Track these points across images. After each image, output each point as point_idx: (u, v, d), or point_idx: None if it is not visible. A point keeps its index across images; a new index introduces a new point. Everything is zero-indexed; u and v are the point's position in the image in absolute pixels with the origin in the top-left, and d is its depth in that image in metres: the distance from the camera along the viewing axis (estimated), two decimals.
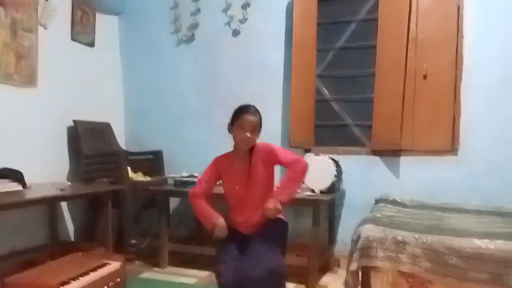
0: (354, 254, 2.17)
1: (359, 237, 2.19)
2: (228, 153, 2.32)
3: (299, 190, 2.90)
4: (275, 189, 2.30)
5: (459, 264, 2.00)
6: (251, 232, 2.21)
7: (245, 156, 2.24)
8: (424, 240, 2.08)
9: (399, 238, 2.12)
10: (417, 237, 2.10)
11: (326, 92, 3.82)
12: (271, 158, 2.22)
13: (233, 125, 2.22)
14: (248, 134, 2.16)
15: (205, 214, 2.26)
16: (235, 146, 2.26)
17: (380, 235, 2.15)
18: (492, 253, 1.97)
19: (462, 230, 2.24)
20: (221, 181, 2.34)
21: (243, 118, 2.17)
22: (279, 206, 2.13)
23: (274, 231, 2.20)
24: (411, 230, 2.20)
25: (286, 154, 2.26)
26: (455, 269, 2.01)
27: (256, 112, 2.22)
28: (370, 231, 2.18)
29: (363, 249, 2.15)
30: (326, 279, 3.35)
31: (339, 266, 3.58)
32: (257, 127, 2.20)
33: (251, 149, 2.24)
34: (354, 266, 2.15)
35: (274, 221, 2.19)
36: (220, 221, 2.19)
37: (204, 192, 2.29)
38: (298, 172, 2.21)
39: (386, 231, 2.17)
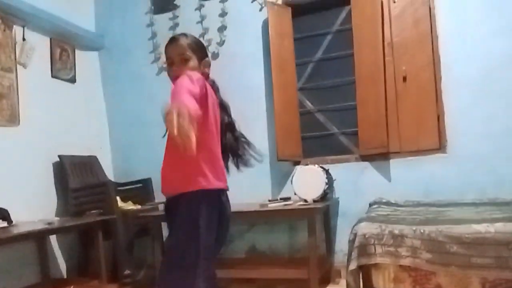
0: (352, 253, 2.12)
1: (355, 235, 2.14)
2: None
3: None
4: None
5: (461, 252, 1.96)
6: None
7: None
8: (422, 231, 2.04)
9: (396, 231, 2.08)
10: (414, 228, 2.07)
11: (309, 104, 3.85)
12: None
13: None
14: (168, 66, 1.80)
15: None
16: None
17: (377, 231, 2.11)
18: (493, 236, 1.93)
19: (460, 219, 2.22)
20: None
21: (165, 50, 1.80)
22: None
23: None
24: (408, 224, 2.17)
25: None
26: (457, 257, 1.96)
27: (184, 35, 1.80)
28: (366, 228, 2.15)
29: (360, 247, 2.10)
30: None
31: (340, 277, 3.49)
32: (187, 54, 1.75)
33: None
34: (353, 265, 2.10)
35: None
36: None
37: None
38: None
39: (382, 227, 2.13)
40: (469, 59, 3.33)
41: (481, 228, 1.98)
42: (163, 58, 1.89)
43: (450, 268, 1.97)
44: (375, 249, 2.07)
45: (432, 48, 3.41)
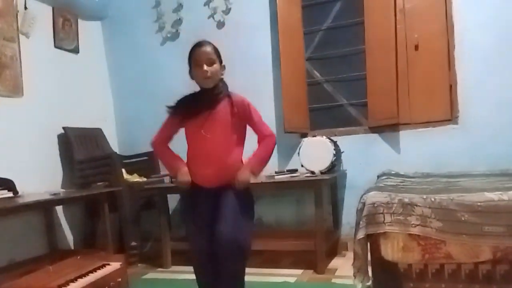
0: (360, 222, 2.07)
1: (364, 204, 2.09)
2: (193, 93, 2.13)
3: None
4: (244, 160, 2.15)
5: (472, 220, 1.90)
6: (215, 186, 2.06)
7: (214, 99, 2.07)
8: (433, 199, 1.98)
9: (406, 200, 2.02)
10: (425, 197, 2.00)
11: (317, 74, 3.76)
12: (245, 113, 2.08)
13: (190, 67, 2.08)
14: (206, 67, 2.01)
15: (169, 161, 2.17)
16: (199, 88, 2.11)
17: (386, 199, 2.05)
18: (506, 204, 1.86)
19: (472, 188, 2.15)
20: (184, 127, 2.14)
21: (195, 53, 2.04)
22: (251, 179, 2.06)
23: (242, 202, 2.08)
24: (418, 192, 2.11)
25: (261, 120, 2.13)
26: (469, 225, 1.90)
27: (208, 43, 2.07)
28: (375, 197, 2.08)
29: (369, 216, 2.04)
30: (335, 262, 3.25)
31: (347, 250, 3.48)
32: (213, 58, 2.03)
33: (224, 96, 2.09)
34: (361, 234, 2.04)
35: (242, 191, 2.08)
36: (184, 168, 2.08)
37: (167, 138, 2.18)
38: (270, 147, 2.14)
39: (392, 195, 2.06)
40: (483, 26, 3.21)
41: (494, 196, 1.91)
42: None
43: (461, 237, 1.92)
44: (384, 218, 2.01)
45: (446, 15, 3.28)
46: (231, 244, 1.96)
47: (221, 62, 2.09)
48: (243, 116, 2.09)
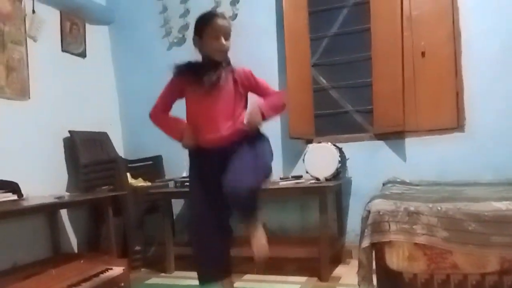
0: (365, 230, 2.05)
1: (369, 212, 2.07)
2: (194, 63, 2.08)
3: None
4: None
5: (479, 230, 1.87)
6: (222, 147, 2.01)
7: (221, 71, 2.03)
8: (439, 208, 1.95)
9: (412, 208, 1.99)
10: (431, 206, 1.98)
11: (323, 80, 3.75)
12: (249, 81, 2.07)
13: (202, 37, 2.01)
14: (224, 41, 1.97)
15: (171, 125, 2.12)
16: (205, 58, 2.06)
17: (392, 207, 2.03)
18: None
19: (479, 197, 2.12)
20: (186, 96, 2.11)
21: (215, 23, 1.97)
22: (260, 118, 1.98)
23: (255, 142, 2.02)
24: (424, 201, 2.08)
25: (266, 84, 2.14)
26: (476, 235, 1.87)
27: (226, 16, 2.06)
28: (380, 205, 2.07)
29: (374, 224, 2.02)
30: (339, 270, 3.22)
31: (351, 257, 3.45)
32: (230, 33, 2.01)
33: (228, 68, 2.06)
34: (366, 243, 2.02)
35: (250, 135, 2.01)
36: (188, 130, 2.04)
37: (166, 108, 2.14)
38: (281, 98, 2.15)
39: (397, 204, 2.04)
40: (490, 34, 3.20)
41: (502, 205, 1.89)
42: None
43: (467, 246, 1.89)
44: (389, 226, 1.99)
45: (453, 22, 3.27)
46: (237, 190, 1.89)
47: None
48: (248, 84, 2.08)
